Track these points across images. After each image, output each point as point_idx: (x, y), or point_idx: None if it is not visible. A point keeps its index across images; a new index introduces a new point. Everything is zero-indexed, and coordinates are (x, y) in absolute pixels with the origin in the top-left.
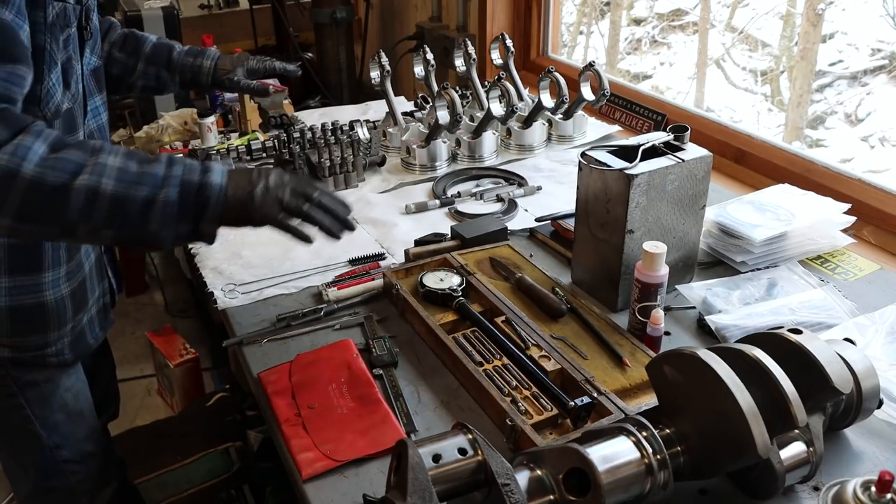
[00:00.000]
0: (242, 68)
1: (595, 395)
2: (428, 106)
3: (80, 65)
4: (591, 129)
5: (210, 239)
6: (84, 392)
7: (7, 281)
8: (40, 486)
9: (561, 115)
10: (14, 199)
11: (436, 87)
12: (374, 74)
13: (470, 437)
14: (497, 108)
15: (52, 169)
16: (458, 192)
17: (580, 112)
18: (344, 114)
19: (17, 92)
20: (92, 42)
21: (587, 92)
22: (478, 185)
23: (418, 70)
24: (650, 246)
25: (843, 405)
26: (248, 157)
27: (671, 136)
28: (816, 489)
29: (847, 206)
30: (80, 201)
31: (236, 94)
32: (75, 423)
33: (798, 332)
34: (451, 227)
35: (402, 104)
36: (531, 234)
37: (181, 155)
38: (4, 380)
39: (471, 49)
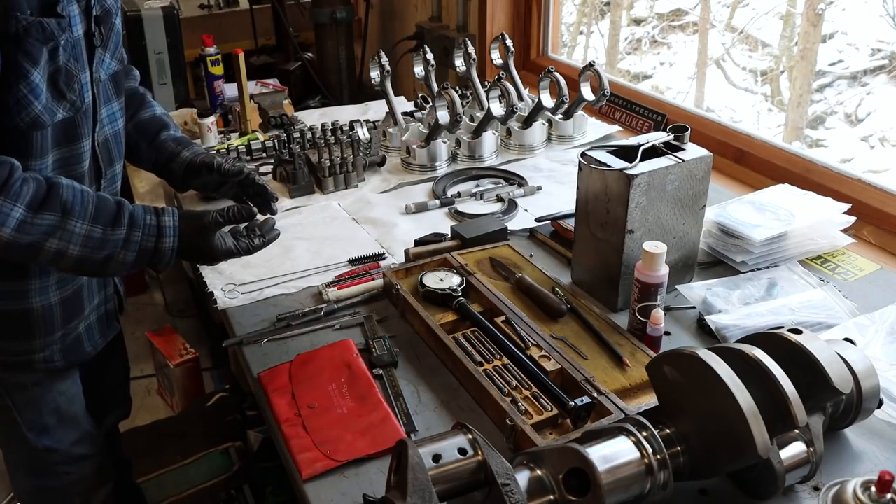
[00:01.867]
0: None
1: (595, 395)
2: (428, 106)
3: (87, 73)
4: (591, 129)
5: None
6: (78, 396)
7: None
8: (34, 484)
9: (561, 115)
10: None
11: (436, 87)
12: (374, 74)
13: (470, 437)
14: (497, 108)
15: (26, 234)
16: (458, 192)
17: (580, 112)
18: (344, 114)
19: None
20: (111, 47)
21: (587, 92)
22: (478, 185)
23: (418, 70)
24: (650, 246)
25: (843, 405)
26: (248, 157)
27: (671, 136)
28: (816, 489)
29: (847, 206)
30: (49, 257)
31: (236, 94)
32: (67, 426)
33: (798, 332)
34: (451, 227)
35: (402, 104)
36: (531, 234)
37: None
38: None
39: (471, 49)
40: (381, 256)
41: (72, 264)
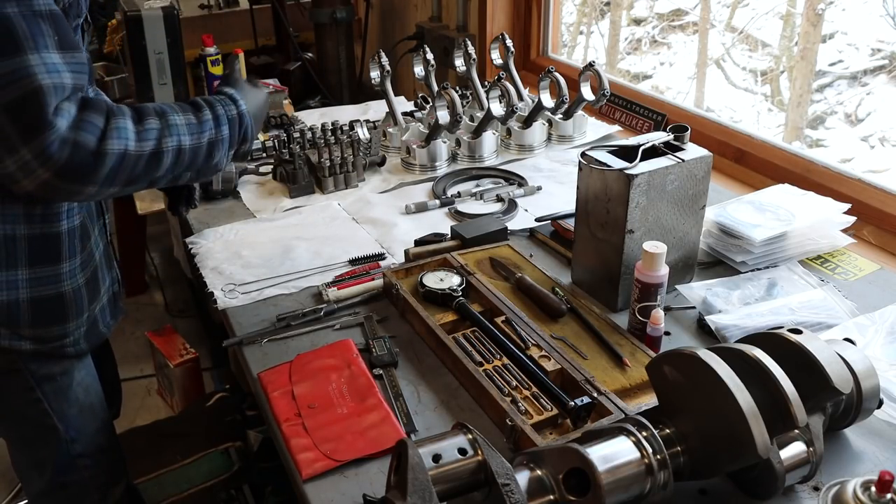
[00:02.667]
0: None
1: (595, 395)
2: (428, 106)
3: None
4: (591, 129)
5: (249, 153)
6: (94, 386)
7: (27, 272)
8: (56, 481)
9: (561, 115)
10: (124, 173)
11: (436, 87)
12: (374, 74)
13: (470, 437)
14: (497, 108)
15: (145, 140)
16: (458, 192)
17: (580, 112)
18: (344, 114)
19: (84, 79)
20: (87, 35)
21: (587, 92)
22: (478, 185)
23: (418, 70)
24: (650, 246)
25: (843, 405)
26: (248, 157)
27: (671, 136)
28: (816, 489)
29: (847, 206)
30: (170, 159)
31: None
32: (87, 417)
33: (798, 332)
34: (451, 227)
35: (402, 104)
36: (531, 234)
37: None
38: (23, 374)
39: (471, 49)
40: (381, 256)
41: (188, 159)
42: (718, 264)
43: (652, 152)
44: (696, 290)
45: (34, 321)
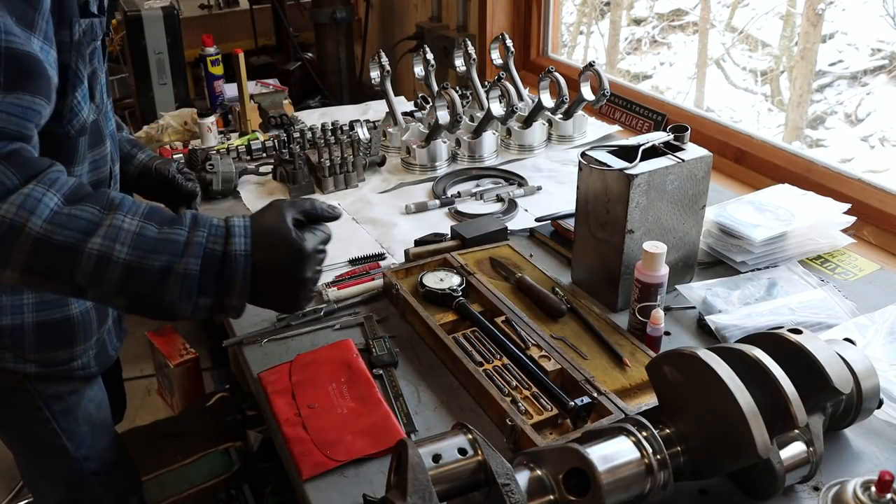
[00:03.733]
0: (176, 170)
1: (595, 395)
2: (428, 106)
3: (103, 73)
4: (591, 129)
5: (236, 312)
6: (104, 401)
7: (34, 296)
8: (69, 497)
9: (561, 115)
10: (18, 255)
11: (436, 87)
12: (374, 74)
13: (470, 437)
14: (497, 108)
15: (62, 227)
16: (458, 192)
17: (580, 112)
18: (344, 114)
19: (30, 128)
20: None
21: (587, 92)
22: (478, 185)
23: (418, 70)
24: (650, 246)
25: (843, 405)
26: (248, 157)
27: (671, 136)
28: (816, 489)
29: (847, 206)
30: (90, 266)
31: (236, 94)
32: (99, 433)
33: (798, 332)
34: (451, 227)
35: (402, 104)
36: (531, 234)
37: (199, 210)
38: (29, 394)
39: (471, 49)
40: (381, 256)
41: (118, 276)
42: (718, 264)
43: (652, 152)
44: (696, 290)
45: (40, 345)
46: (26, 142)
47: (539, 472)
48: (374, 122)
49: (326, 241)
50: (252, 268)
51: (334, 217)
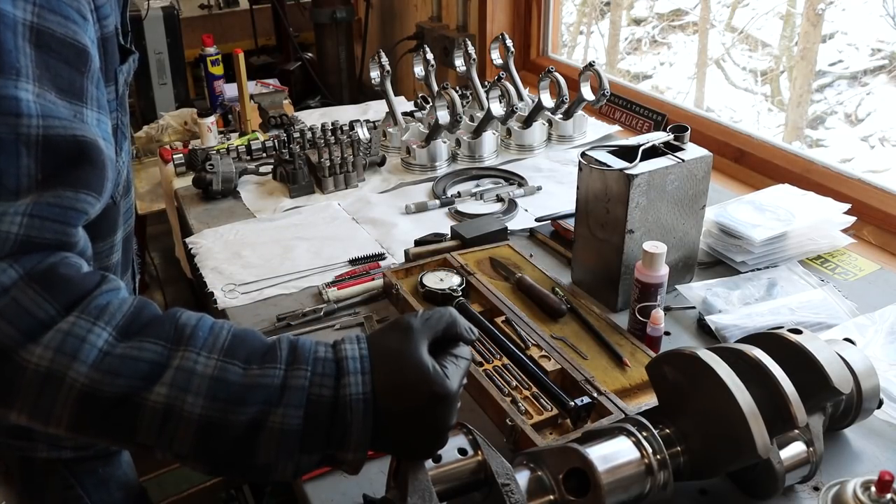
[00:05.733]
0: None
1: (595, 395)
2: (428, 106)
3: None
4: (591, 129)
5: (353, 468)
6: (130, 461)
7: None
8: None
9: (561, 115)
10: (62, 412)
11: (436, 87)
12: (374, 74)
13: (470, 437)
14: (497, 108)
15: (115, 374)
16: (458, 192)
17: (580, 112)
18: (344, 114)
19: (72, 233)
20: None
21: (587, 92)
22: (478, 185)
23: (418, 70)
24: (650, 246)
25: (843, 405)
26: (248, 157)
27: (671, 136)
28: (816, 489)
29: (847, 206)
30: (155, 423)
31: (236, 94)
32: (131, 494)
33: (798, 332)
34: (451, 227)
35: (402, 104)
36: (531, 234)
37: (297, 335)
38: (61, 473)
39: (471, 49)
40: (381, 256)
41: (192, 435)
42: (718, 264)
43: (652, 152)
44: (696, 290)
45: None
46: (69, 249)
47: (539, 472)
48: (374, 122)
49: (468, 369)
50: (374, 415)
51: (472, 340)
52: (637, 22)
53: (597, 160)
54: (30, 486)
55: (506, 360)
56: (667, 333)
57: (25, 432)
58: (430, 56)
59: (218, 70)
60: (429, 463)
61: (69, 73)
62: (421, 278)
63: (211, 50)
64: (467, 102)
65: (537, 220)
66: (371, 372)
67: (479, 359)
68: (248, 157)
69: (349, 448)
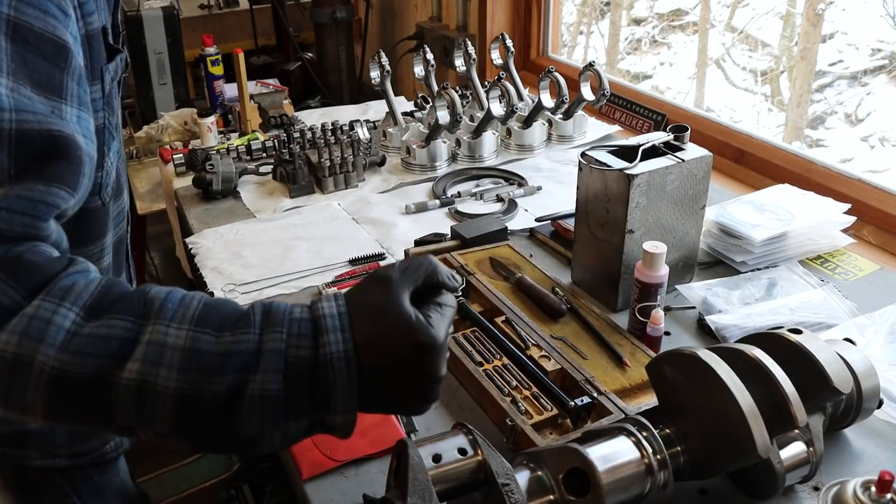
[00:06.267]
0: None
1: (595, 395)
2: (428, 106)
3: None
4: (591, 129)
5: (344, 431)
6: (125, 467)
7: None
8: None
9: (561, 115)
10: (35, 398)
11: (436, 87)
12: (374, 74)
13: (470, 437)
14: (497, 108)
15: (84, 355)
16: (458, 192)
17: (580, 112)
18: (344, 114)
19: (42, 227)
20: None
21: (587, 92)
22: (478, 185)
23: (418, 70)
24: (650, 246)
25: (843, 405)
26: (248, 157)
27: (671, 136)
28: (816, 489)
29: (847, 206)
30: (129, 402)
31: (236, 94)
32: (129, 500)
33: (798, 332)
34: (451, 227)
35: (402, 104)
36: (531, 234)
37: (274, 297)
38: (56, 482)
39: (471, 49)
40: (381, 256)
41: (170, 411)
42: (718, 264)
43: (652, 152)
44: (696, 290)
45: (72, 440)
46: (38, 241)
47: (539, 472)
48: (374, 122)
49: (453, 317)
50: (359, 371)
51: (455, 288)
52: (637, 22)
53: (597, 160)
54: (25, 495)
55: (506, 360)
56: (667, 333)
57: (19, 440)
58: (430, 56)
59: (218, 70)
60: (429, 463)
61: (47, 67)
62: None
63: (211, 50)
64: (467, 102)
65: (537, 220)
66: (350, 328)
67: (479, 359)
68: (248, 157)
69: (336, 410)
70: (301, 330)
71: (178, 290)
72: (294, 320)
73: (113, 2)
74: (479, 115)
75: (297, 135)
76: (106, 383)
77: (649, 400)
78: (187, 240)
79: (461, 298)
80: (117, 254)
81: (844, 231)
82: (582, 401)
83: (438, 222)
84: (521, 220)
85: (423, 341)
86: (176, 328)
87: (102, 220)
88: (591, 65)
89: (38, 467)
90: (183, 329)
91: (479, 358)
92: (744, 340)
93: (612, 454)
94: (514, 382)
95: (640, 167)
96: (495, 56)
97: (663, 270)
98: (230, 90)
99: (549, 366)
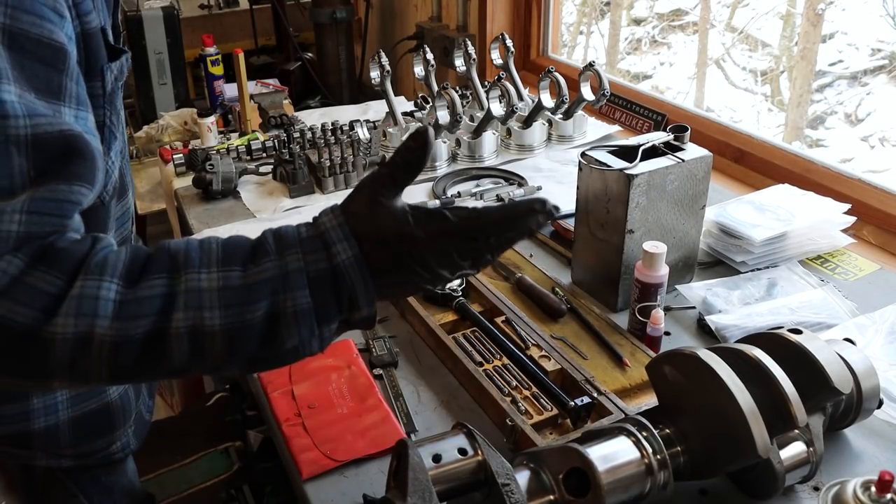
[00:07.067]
0: None
1: (595, 395)
2: (428, 106)
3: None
4: (591, 129)
5: (368, 323)
6: (135, 468)
7: (67, 393)
8: None
9: (561, 115)
10: (100, 367)
11: (436, 87)
12: (374, 74)
13: (470, 437)
14: (497, 108)
15: (135, 318)
16: (458, 192)
17: (580, 112)
18: (344, 114)
19: (67, 224)
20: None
21: (587, 92)
22: (478, 185)
23: (418, 70)
24: (650, 246)
25: (843, 405)
26: (248, 157)
27: (671, 136)
28: (816, 489)
29: (847, 206)
30: (184, 347)
31: (236, 94)
32: (137, 500)
33: (798, 332)
34: None
35: (402, 104)
36: (531, 234)
37: (283, 223)
38: (63, 482)
39: (471, 49)
40: None
41: (220, 346)
42: (718, 264)
43: (652, 152)
44: (696, 290)
45: (77, 440)
46: (61, 234)
47: (539, 472)
48: (374, 122)
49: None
50: (370, 269)
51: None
52: (637, 22)
53: (597, 160)
54: (32, 496)
55: (506, 360)
56: (667, 333)
57: (23, 440)
58: (430, 56)
59: (218, 70)
60: (429, 463)
61: (46, 72)
62: None
63: (211, 50)
64: (467, 102)
65: None
66: (352, 235)
67: (479, 359)
68: (248, 157)
69: (360, 307)
70: (314, 246)
71: (192, 239)
72: (304, 240)
73: (112, 3)
74: (479, 115)
75: (297, 135)
76: (160, 337)
77: (649, 400)
78: None
79: (461, 299)
80: None
81: (844, 231)
82: (582, 401)
83: None
84: None
85: (400, 230)
86: (206, 273)
87: (103, 220)
88: (591, 65)
89: (45, 467)
90: (213, 272)
91: (479, 358)
92: (744, 340)
93: (612, 454)
94: (514, 382)
95: (640, 167)
96: (495, 56)
97: (663, 270)
98: (230, 90)
99: (549, 366)
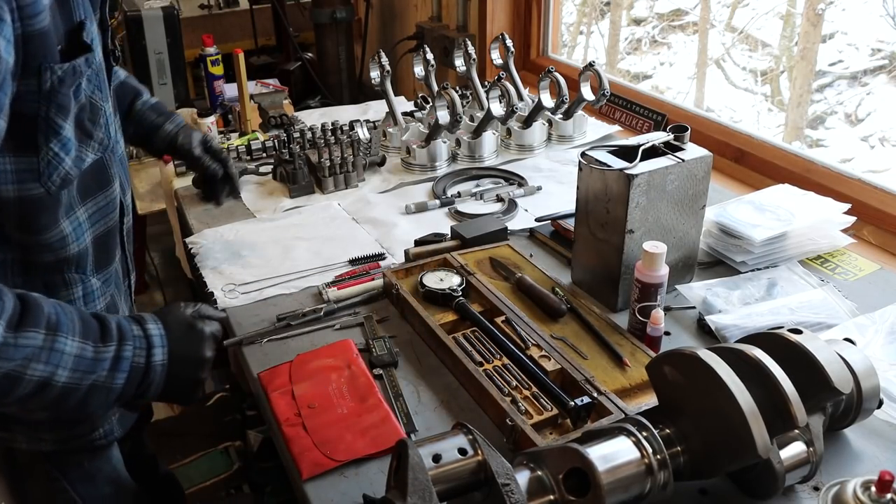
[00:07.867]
0: (201, 146)
1: (595, 395)
2: (428, 106)
3: (109, 101)
4: (591, 129)
5: (139, 408)
6: (120, 458)
7: None
8: None
9: (561, 115)
10: None
11: (436, 87)
12: (374, 74)
13: (470, 437)
14: (497, 108)
15: (6, 360)
16: (458, 192)
17: (580, 112)
18: (344, 114)
19: None
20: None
21: (587, 92)
22: (478, 185)
23: (418, 70)
24: (650, 246)
25: (843, 405)
26: (248, 157)
27: (671, 136)
28: (816, 489)
29: (847, 206)
30: (27, 390)
31: (236, 94)
32: (122, 492)
33: (798, 332)
34: (451, 227)
35: (402, 104)
36: (531, 234)
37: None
38: (44, 467)
39: (471, 49)
40: (381, 256)
41: (53, 398)
42: (718, 264)
43: (652, 152)
44: (696, 290)
45: (55, 424)
46: None
47: (539, 472)
48: (374, 122)
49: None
50: (167, 375)
51: (220, 318)
52: (637, 22)
53: (597, 160)
54: (14, 478)
55: (506, 360)
56: (667, 333)
57: (3, 423)
58: (430, 56)
59: (218, 70)
60: (429, 463)
61: None
62: (421, 278)
63: (211, 50)
64: (467, 102)
65: (537, 220)
66: (168, 345)
67: (479, 359)
68: (248, 157)
69: (148, 397)
70: (141, 344)
71: (58, 303)
72: (136, 336)
73: (100, 2)
74: (479, 115)
75: (297, 135)
76: (15, 377)
77: (649, 400)
78: (187, 240)
79: (461, 299)
80: (105, 246)
81: (844, 231)
82: (582, 401)
83: (438, 222)
84: (521, 220)
85: (202, 377)
86: (71, 340)
87: (50, 208)
88: (591, 65)
89: (25, 451)
90: (75, 341)
91: (479, 358)
92: (744, 340)
93: (612, 454)
94: (514, 382)
95: (640, 167)
96: (495, 56)
97: (663, 270)
98: (230, 90)
99: (549, 366)
